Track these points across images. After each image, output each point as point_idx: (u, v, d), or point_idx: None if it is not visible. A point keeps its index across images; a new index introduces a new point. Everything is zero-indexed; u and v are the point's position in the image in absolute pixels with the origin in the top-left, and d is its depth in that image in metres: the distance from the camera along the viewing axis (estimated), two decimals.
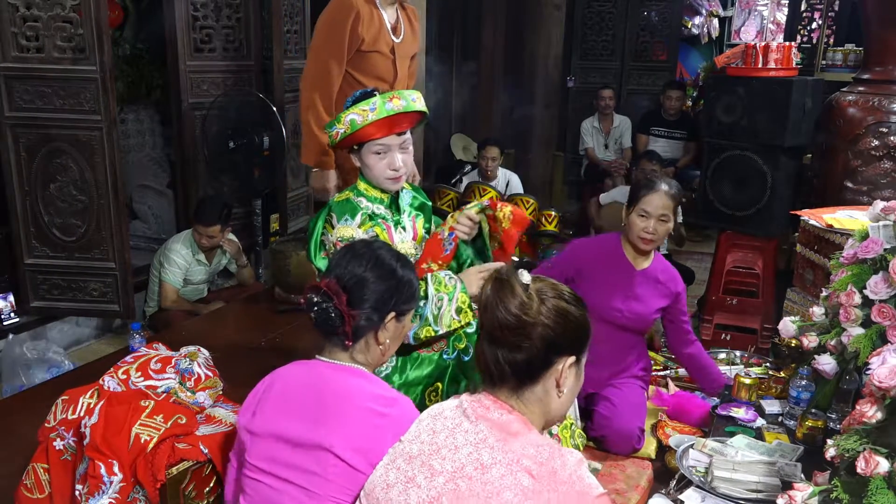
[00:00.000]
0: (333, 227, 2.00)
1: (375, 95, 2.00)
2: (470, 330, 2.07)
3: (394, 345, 1.65)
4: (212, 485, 1.90)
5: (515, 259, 1.39)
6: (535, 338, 1.30)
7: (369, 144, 2.02)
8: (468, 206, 2.16)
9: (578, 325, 1.35)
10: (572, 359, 1.35)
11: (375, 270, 1.58)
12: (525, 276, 1.33)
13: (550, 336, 1.30)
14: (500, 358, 1.32)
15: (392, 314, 1.58)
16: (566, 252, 2.70)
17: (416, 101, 2.01)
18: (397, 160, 2.04)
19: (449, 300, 1.94)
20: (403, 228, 2.13)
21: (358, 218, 2.00)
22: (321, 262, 2.02)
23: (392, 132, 2.02)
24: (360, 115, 1.97)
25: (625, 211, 2.59)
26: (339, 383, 1.53)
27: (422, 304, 1.92)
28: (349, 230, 1.97)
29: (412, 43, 2.96)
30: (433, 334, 1.95)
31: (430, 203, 2.29)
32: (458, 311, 1.96)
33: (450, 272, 2.05)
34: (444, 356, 2.06)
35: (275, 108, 4.11)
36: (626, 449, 2.49)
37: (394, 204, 2.14)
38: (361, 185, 2.10)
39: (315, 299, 1.55)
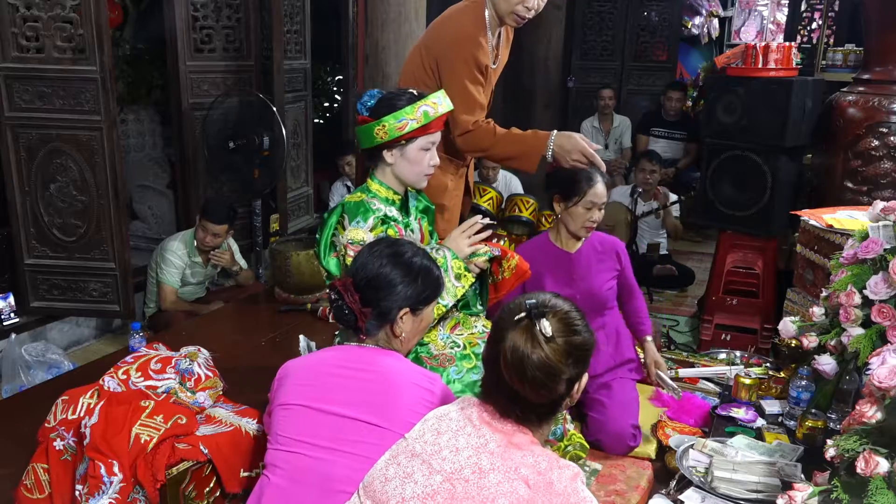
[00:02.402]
0: (345, 229, 1.99)
1: (413, 92, 2.03)
2: (477, 350, 2.06)
3: (415, 337, 1.75)
4: (212, 485, 1.90)
5: (532, 302, 1.37)
6: (562, 392, 1.32)
7: (422, 139, 2.03)
8: (479, 251, 2.12)
9: (589, 350, 1.37)
10: (585, 378, 1.38)
11: (388, 271, 1.66)
12: (547, 328, 1.30)
13: (572, 376, 1.33)
14: (526, 408, 1.33)
15: (405, 310, 1.67)
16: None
17: None
18: (435, 156, 2.09)
19: (445, 270, 1.96)
20: (412, 231, 2.14)
21: (370, 221, 1.99)
22: (330, 263, 2.01)
23: (439, 129, 2.07)
24: (431, 107, 2.00)
25: (560, 204, 2.60)
26: (381, 364, 1.62)
27: None
28: (360, 233, 1.96)
29: (505, 58, 2.69)
30: (444, 309, 1.99)
31: (433, 206, 2.30)
32: (458, 277, 2.00)
33: (434, 244, 2.08)
34: (453, 373, 2.05)
35: (275, 109, 4.11)
36: (622, 449, 2.50)
37: (403, 207, 2.14)
38: (374, 186, 2.09)
39: (333, 295, 1.68)
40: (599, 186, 2.57)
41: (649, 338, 2.83)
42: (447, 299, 1.97)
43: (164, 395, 1.96)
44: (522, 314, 1.33)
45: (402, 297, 1.66)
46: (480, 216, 2.16)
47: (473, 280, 2.07)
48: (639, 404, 2.65)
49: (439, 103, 2.03)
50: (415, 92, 2.05)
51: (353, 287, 1.66)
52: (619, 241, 2.82)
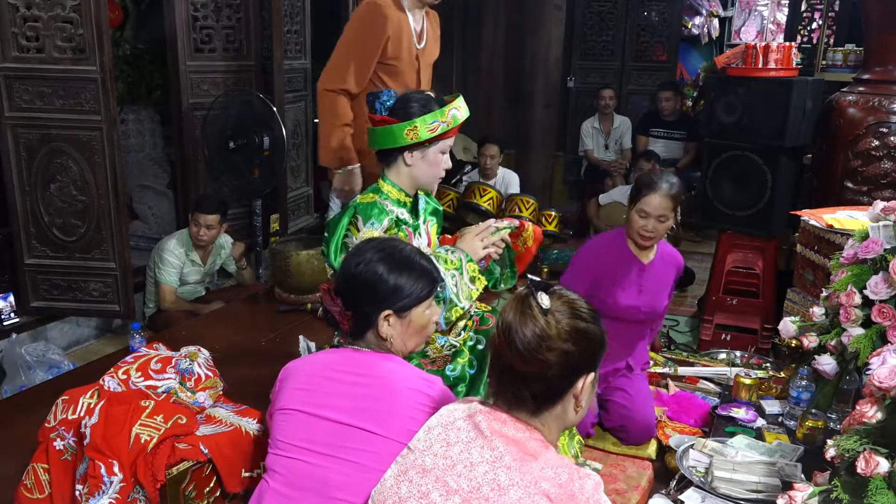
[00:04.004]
0: (359, 230, 1.97)
1: (430, 94, 2.06)
2: (471, 343, 2.07)
3: (412, 339, 1.66)
4: (212, 485, 1.90)
5: (535, 279, 1.36)
6: (554, 365, 1.27)
7: (442, 143, 2.05)
8: (501, 226, 2.14)
9: (596, 342, 1.33)
10: (591, 375, 1.34)
11: (362, 272, 1.61)
12: (545, 300, 1.29)
13: (571, 360, 1.28)
14: (521, 388, 1.29)
15: (387, 312, 1.60)
16: (579, 261, 2.71)
17: None
18: (448, 159, 2.11)
19: (460, 274, 1.97)
20: (420, 235, 2.13)
21: (385, 223, 1.98)
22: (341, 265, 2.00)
23: (454, 133, 2.10)
24: (459, 111, 2.03)
25: (628, 206, 2.62)
26: (376, 366, 1.58)
27: (438, 287, 1.93)
28: (375, 234, 1.95)
29: (434, 49, 2.91)
30: (462, 311, 1.98)
31: (441, 209, 2.29)
32: (472, 280, 1.99)
33: (448, 246, 2.07)
34: (448, 372, 2.06)
35: (275, 108, 4.11)
36: (645, 437, 2.54)
37: (413, 209, 2.14)
38: (386, 187, 2.07)
39: (321, 301, 1.66)
40: (655, 197, 2.51)
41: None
42: (463, 302, 1.96)
43: (164, 395, 1.96)
44: (521, 289, 1.32)
45: (380, 300, 1.60)
46: (494, 220, 2.16)
47: (486, 283, 2.07)
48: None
49: (462, 106, 2.06)
50: (431, 94, 2.07)
51: (334, 291, 1.63)
52: (680, 256, 2.80)
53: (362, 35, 2.62)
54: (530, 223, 2.25)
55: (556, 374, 1.28)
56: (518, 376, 1.29)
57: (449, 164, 2.11)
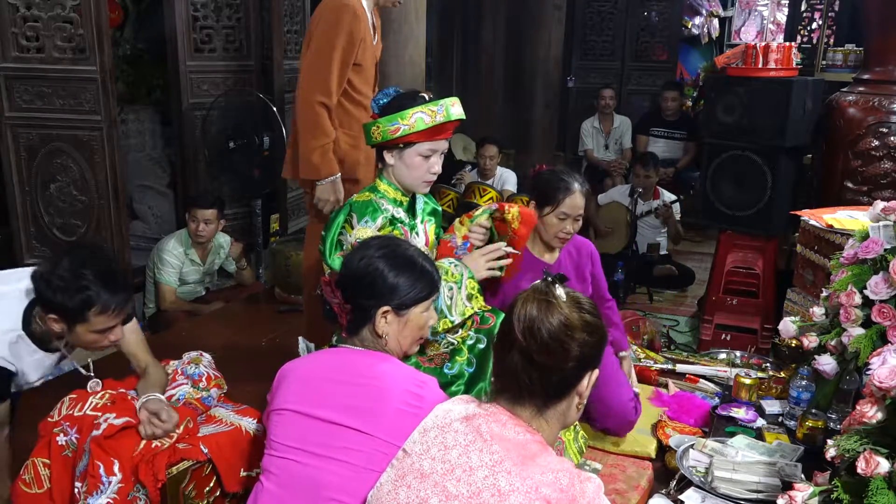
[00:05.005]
0: (353, 228, 1.98)
1: (424, 97, 2.02)
2: (470, 342, 2.07)
3: (405, 339, 1.67)
4: (212, 485, 1.90)
5: (550, 272, 1.37)
6: (573, 357, 1.27)
7: (419, 146, 2.01)
8: (477, 212, 2.14)
9: (604, 335, 1.34)
10: (595, 372, 1.34)
11: (365, 266, 1.62)
12: (562, 293, 1.29)
13: (586, 351, 1.29)
14: (535, 378, 1.28)
15: (385, 308, 1.61)
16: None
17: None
18: (437, 164, 2.07)
19: (458, 288, 1.96)
20: (417, 234, 2.13)
21: (379, 221, 1.99)
22: (335, 262, 1.99)
23: (444, 137, 2.05)
24: (429, 115, 1.97)
25: (535, 211, 2.50)
26: (370, 367, 1.58)
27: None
28: (368, 232, 1.96)
29: (380, 43, 2.88)
30: (451, 324, 1.97)
31: (440, 209, 2.29)
32: (469, 297, 1.98)
33: (454, 259, 2.06)
34: (446, 370, 2.06)
35: (275, 108, 4.11)
36: (629, 427, 2.54)
37: (411, 209, 2.14)
38: (382, 187, 2.08)
39: (318, 291, 1.69)
40: (576, 198, 2.46)
41: (624, 353, 2.77)
42: (455, 316, 1.95)
43: (180, 403, 1.96)
44: (539, 282, 1.32)
45: (380, 295, 1.61)
46: (504, 243, 2.13)
47: (483, 304, 2.05)
48: (625, 374, 2.68)
49: (438, 111, 1.98)
50: (426, 96, 2.04)
51: (335, 283, 1.64)
52: (588, 241, 2.76)
53: (341, 40, 2.53)
54: (513, 205, 2.19)
55: (573, 367, 1.29)
56: (535, 368, 1.28)
57: (438, 169, 2.07)
